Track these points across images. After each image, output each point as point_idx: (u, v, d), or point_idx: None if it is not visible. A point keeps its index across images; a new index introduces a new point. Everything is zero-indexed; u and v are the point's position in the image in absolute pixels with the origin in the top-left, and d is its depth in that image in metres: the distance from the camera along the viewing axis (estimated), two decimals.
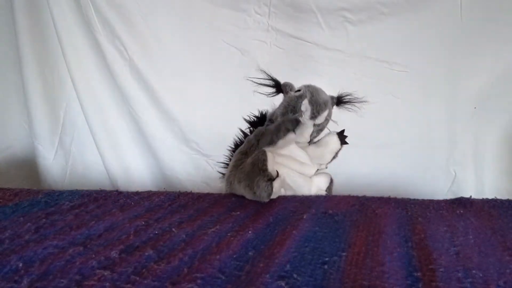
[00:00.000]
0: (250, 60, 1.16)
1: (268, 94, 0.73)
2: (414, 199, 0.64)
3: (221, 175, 0.79)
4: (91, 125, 1.18)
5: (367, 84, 1.11)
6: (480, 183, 1.09)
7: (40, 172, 1.20)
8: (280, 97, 0.76)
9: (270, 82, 0.73)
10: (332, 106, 0.75)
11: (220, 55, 1.17)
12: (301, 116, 0.69)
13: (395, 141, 1.10)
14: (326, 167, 0.76)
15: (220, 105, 1.17)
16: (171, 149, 1.17)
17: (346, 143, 0.76)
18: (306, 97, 0.70)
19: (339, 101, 0.76)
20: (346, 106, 0.76)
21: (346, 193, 0.76)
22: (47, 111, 1.21)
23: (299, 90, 0.71)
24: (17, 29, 1.18)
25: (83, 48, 1.20)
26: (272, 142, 0.68)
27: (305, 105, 0.69)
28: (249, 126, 0.80)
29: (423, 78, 1.09)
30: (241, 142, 0.78)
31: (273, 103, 0.78)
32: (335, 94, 0.77)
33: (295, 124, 0.66)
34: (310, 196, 0.70)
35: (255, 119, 0.78)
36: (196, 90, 1.16)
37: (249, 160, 0.66)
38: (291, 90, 0.73)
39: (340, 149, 0.75)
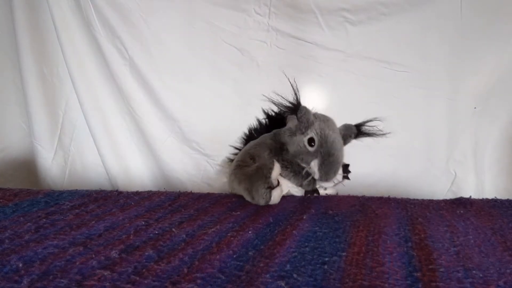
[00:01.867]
0: (250, 60, 1.16)
1: (282, 110, 0.71)
2: (414, 199, 0.64)
3: (228, 160, 0.79)
4: (91, 125, 1.18)
5: (367, 84, 1.11)
6: (480, 183, 1.09)
7: (39, 172, 1.20)
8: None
9: (289, 105, 0.69)
10: (349, 141, 0.73)
11: (220, 55, 1.17)
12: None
13: (395, 141, 1.10)
14: (325, 189, 0.74)
15: (220, 105, 1.17)
16: (171, 149, 1.17)
17: (347, 178, 0.75)
18: (316, 158, 0.65)
19: (359, 131, 0.73)
20: (367, 137, 0.74)
21: (346, 193, 0.76)
22: (47, 111, 1.21)
23: (312, 141, 0.66)
24: (16, 29, 1.18)
25: (83, 48, 1.20)
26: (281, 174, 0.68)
27: (313, 168, 0.66)
28: (266, 117, 0.79)
29: (423, 78, 1.09)
30: (255, 131, 0.77)
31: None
32: (352, 119, 0.74)
33: (305, 178, 0.67)
34: (310, 196, 0.70)
35: (274, 114, 0.77)
36: (196, 90, 1.16)
37: (254, 164, 0.66)
38: (305, 129, 0.67)
39: (340, 182, 0.73)
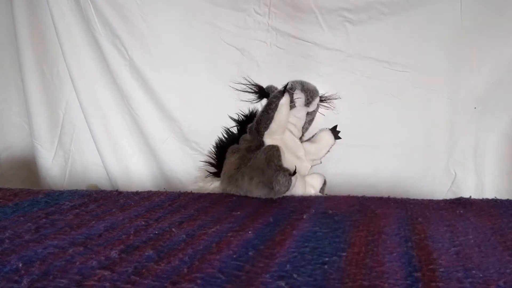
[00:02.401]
0: (250, 60, 1.16)
1: (252, 100, 0.74)
2: (413, 199, 0.64)
3: (208, 173, 0.78)
4: (91, 125, 1.18)
5: (367, 84, 1.11)
6: (480, 183, 1.09)
7: (39, 172, 1.20)
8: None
9: (253, 88, 0.73)
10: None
11: (220, 55, 1.17)
12: (294, 105, 0.70)
13: (395, 141, 1.10)
14: (321, 162, 0.77)
15: (220, 105, 1.17)
16: (171, 149, 1.17)
17: (339, 137, 0.78)
18: (296, 86, 0.70)
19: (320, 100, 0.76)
20: (323, 104, 0.77)
21: (346, 193, 0.76)
22: (47, 111, 1.21)
23: (285, 86, 0.71)
24: (16, 29, 1.18)
25: (83, 48, 1.20)
26: (269, 119, 0.69)
27: (297, 93, 0.69)
28: (237, 124, 0.80)
29: (423, 78, 1.09)
30: (226, 140, 0.78)
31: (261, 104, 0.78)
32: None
33: (281, 91, 0.68)
34: (310, 196, 0.70)
35: (244, 118, 0.78)
36: (196, 90, 1.16)
37: (260, 155, 0.66)
38: (279, 93, 0.72)
39: (333, 144, 0.77)
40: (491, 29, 1.05)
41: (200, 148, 1.18)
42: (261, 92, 0.73)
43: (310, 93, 0.71)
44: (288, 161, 0.69)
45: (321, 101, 0.76)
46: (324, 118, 0.79)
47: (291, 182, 0.62)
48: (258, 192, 0.64)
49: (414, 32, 1.09)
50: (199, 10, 1.16)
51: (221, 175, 0.73)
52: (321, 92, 0.76)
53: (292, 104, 0.69)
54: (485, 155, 1.08)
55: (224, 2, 1.14)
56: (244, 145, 0.72)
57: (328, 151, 0.78)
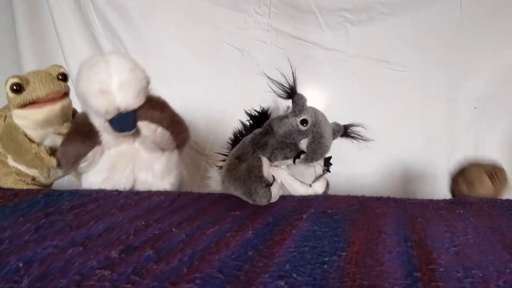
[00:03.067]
0: (250, 60, 1.16)
1: (278, 95, 0.72)
2: (413, 199, 0.64)
3: (217, 168, 0.78)
4: None
5: (367, 84, 1.11)
6: None
7: None
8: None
9: (288, 89, 0.69)
10: (336, 137, 0.72)
11: (220, 55, 1.17)
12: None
13: (395, 141, 1.11)
14: (310, 186, 0.75)
15: (220, 105, 1.17)
16: None
17: (328, 171, 0.75)
18: (307, 137, 0.66)
19: (345, 132, 0.73)
20: (351, 139, 0.74)
21: (345, 193, 0.76)
22: None
23: (305, 122, 0.66)
24: (16, 29, 1.18)
25: (83, 48, 1.21)
26: (270, 157, 0.67)
27: (302, 145, 0.66)
28: (250, 119, 0.79)
29: (423, 78, 1.09)
30: (240, 134, 0.77)
31: (275, 100, 0.76)
32: (342, 121, 0.74)
33: (295, 153, 0.66)
34: (309, 195, 0.70)
35: (257, 114, 0.77)
36: (196, 90, 1.16)
37: (243, 166, 0.65)
38: (299, 112, 0.68)
39: (321, 175, 0.74)
40: (491, 30, 1.05)
41: (200, 148, 1.18)
42: (291, 94, 0.70)
43: (312, 155, 0.66)
44: (276, 169, 0.68)
45: (349, 137, 0.73)
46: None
47: (270, 193, 0.60)
48: (245, 199, 0.63)
49: (414, 32, 1.09)
50: (199, 10, 1.16)
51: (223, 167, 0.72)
52: (356, 123, 0.74)
53: None
54: (485, 155, 1.08)
55: (224, 2, 1.14)
56: (237, 153, 0.70)
57: (315, 180, 0.74)
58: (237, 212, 0.55)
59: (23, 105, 0.63)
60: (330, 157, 0.75)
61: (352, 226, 0.49)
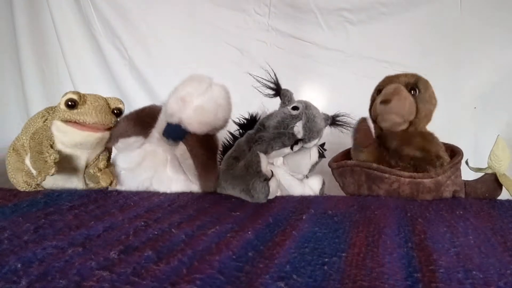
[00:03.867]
0: (250, 60, 1.16)
1: (266, 95, 0.73)
2: (413, 200, 0.64)
3: None
4: None
5: (367, 84, 1.11)
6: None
7: None
8: (275, 102, 0.75)
9: (272, 85, 0.72)
10: (326, 125, 0.74)
11: (220, 55, 1.17)
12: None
13: None
14: (307, 177, 0.75)
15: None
16: None
17: (323, 156, 0.76)
18: (301, 119, 0.68)
19: (334, 121, 0.75)
20: (339, 128, 0.76)
21: None
22: None
23: (296, 108, 0.69)
24: (16, 29, 1.18)
25: (83, 48, 1.21)
26: (265, 152, 0.68)
27: (297, 128, 0.67)
28: (239, 128, 0.79)
29: None
30: (230, 145, 0.77)
31: (263, 105, 0.77)
32: (330, 112, 0.76)
33: (292, 140, 0.66)
34: (309, 196, 0.70)
35: (245, 121, 0.78)
36: None
37: (241, 163, 0.65)
38: (289, 102, 0.71)
39: (317, 162, 0.74)
40: (491, 29, 1.05)
41: None
42: (277, 91, 0.72)
43: (309, 134, 0.68)
44: (274, 167, 0.69)
45: (338, 125, 0.75)
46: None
47: (268, 187, 0.60)
48: (243, 198, 0.63)
49: (414, 32, 1.10)
50: (199, 10, 1.16)
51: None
52: (344, 112, 0.75)
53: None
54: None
55: (224, 2, 1.14)
56: (234, 154, 0.70)
57: (311, 169, 0.75)
58: (237, 213, 0.55)
59: (68, 121, 0.64)
60: (323, 143, 0.77)
61: (352, 227, 0.49)
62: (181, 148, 0.66)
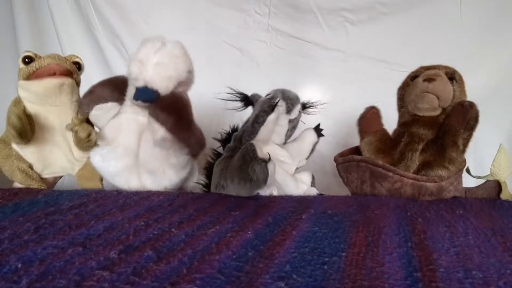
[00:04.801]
0: (250, 60, 1.16)
1: (238, 109, 0.74)
2: (413, 199, 0.64)
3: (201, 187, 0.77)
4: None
5: (367, 84, 1.11)
6: (480, 183, 1.09)
7: None
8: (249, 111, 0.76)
9: (237, 97, 0.74)
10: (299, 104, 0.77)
11: (220, 55, 1.17)
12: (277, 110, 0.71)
13: None
14: (306, 162, 0.78)
15: (219, 104, 1.17)
16: None
17: (322, 135, 0.79)
18: (277, 96, 0.71)
19: (304, 106, 0.78)
20: (310, 110, 0.78)
21: (345, 193, 0.76)
22: None
23: (268, 95, 0.73)
24: (16, 29, 1.18)
25: (83, 48, 1.20)
26: (254, 132, 0.69)
27: (280, 102, 0.71)
28: (222, 144, 0.78)
29: None
30: (214, 160, 0.76)
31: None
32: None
33: (271, 106, 0.69)
34: (309, 196, 0.70)
35: (227, 136, 0.77)
36: (196, 90, 1.16)
37: (237, 156, 0.66)
38: (259, 98, 0.75)
39: (317, 142, 0.78)
40: (491, 29, 1.05)
41: None
42: (246, 100, 0.75)
43: (290, 101, 0.72)
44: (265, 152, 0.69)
45: (305, 107, 0.77)
46: (325, 118, 0.79)
47: (267, 169, 0.61)
48: (242, 190, 0.63)
49: (414, 32, 1.10)
50: (199, 10, 1.16)
51: (211, 188, 0.72)
52: (306, 98, 0.78)
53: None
54: (485, 155, 1.08)
55: (224, 2, 1.14)
56: (226, 154, 0.71)
57: (313, 149, 0.79)
58: (237, 212, 0.55)
59: (28, 77, 0.67)
60: (319, 124, 0.80)
61: (352, 227, 0.49)
62: (150, 128, 0.68)
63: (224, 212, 0.55)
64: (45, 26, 1.21)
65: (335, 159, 0.75)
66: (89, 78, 1.19)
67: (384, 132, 0.70)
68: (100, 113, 0.70)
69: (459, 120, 0.62)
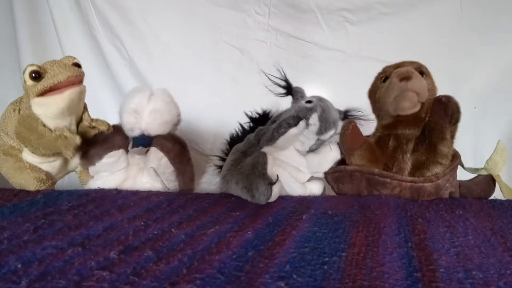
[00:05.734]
0: (250, 60, 1.16)
1: (277, 94, 0.73)
2: (413, 199, 0.64)
3: (215, 167, 0.78)
4: None
5: (367, 84, 1.11)
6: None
7: None
8: (287, 100, 0.75)
9: (283, 83, 0.72)
10: (340, 118, 0.73)
11: (220, 55, 1.17)
12: (308, 127, 0.67)
13: None
14: (322, 175, 0.75)
15: (219, 105, 1.17)
16: None
17: (362, 118, 0.75)
18: (316, 111, 0.67)
19: (346, 116, 0.74)
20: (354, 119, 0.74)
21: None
22: None
23: (310, 101, 0.69)
24: (16, 29, 1.18)
25: (83, 48, 1.20)
26: (272, 139, 0.67)
27: (314, 120, 0.67)
28: (250, 121, 0.79)
29: None
30: (238, 136, 0.77)
31: (278, 104, 0.77)
32: (343, 107, 0.76)
33: (297, 120, 0.66)
34: (309, 196, 0.70)
35: (257, 116, 0.77)
36: (196, 90, 1.16)
37: (248, 160, 0.65)
38: (301, 98, 0.71)
39: (339, 159, 0.74)
40: (491, 29, 1.05)
41: (200, 148, 1.18)
42: (288, 89, 0.72)
43: (325, 125, 0.67)
44: (275, 170, 0.67)
45: (346, 117, 0.74)
46: None
47: (271, 191, 0.59)
48: (244, 196, 0.63)
49: (414, 32, 1.09)
50: (199, 10, 1.16)
51: (220, 173, 0.73)
52: (356, 107, 0.75)
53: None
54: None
55: (224, 2, 1.14)
56: (243, 148, 0.71)
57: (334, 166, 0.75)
58: (237, 213, 0.55)
59: (43, 93, 0.61)
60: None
61: (352, 227, 0.49)
62: (153, 156, 0.69)
63: (224, 212, 0.55)
64: (45, 26, 1.21)
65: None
66: (90, 78, 1.19)
67: (369, 142, 0.69)
68: (113, 160, 0.69)
69: (442, 115, 0.63)
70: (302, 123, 0.66)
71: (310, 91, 1.18)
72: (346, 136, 0.68)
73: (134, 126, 0.70)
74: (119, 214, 0.52)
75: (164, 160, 0.69)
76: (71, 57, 0.68)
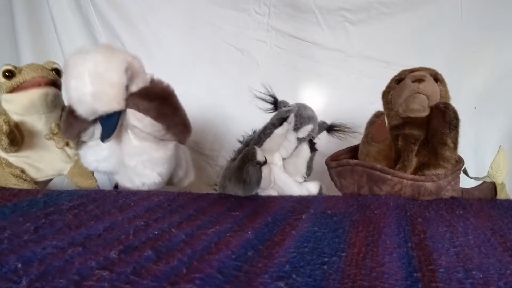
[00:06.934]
0: (250, 60, 1.16)
1: (266, 110, 0.74)
2: (413, 199, 0.64)
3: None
4: None
5: (367, 84, 1.11)
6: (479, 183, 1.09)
7: None
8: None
9: (270, 99, 0.73)
10: (322, 130, 0.76)
11: (220, 55, 1.17)
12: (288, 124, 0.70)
13: None
14: (304, 179, 0.76)
15: (219, 105, 1.17)
16: None
17: (315, 149, 0.77)
18: (293, 111, 0.70)
19: (330, 128, 0.76)
20: (336, 134, 0.76)
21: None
22: None
23: (288, 105, 0.73)
24: (16, 29, 1.18)
25: None
26: (259, 142, 0.69)
27: (291, 118, 0.69)
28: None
29: None
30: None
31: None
32: (329, 120, 0.77)
33: (281, 121, 0.68)
34: (308, 196, 0.70)
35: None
36: (196, 90, 1.16)
37: (238, 157, 0.67)
38: (284, 106, 0.74)
39: (311, 157, 0.76)
40: (491, 29, 1.05)
41: (200, 148, 1.18)
42: (275, 104, 0.74)
43: (300, 120, 0.70)
44: (270, 165, 0.69)
45: (335, 131, 0.76)
46: (326, 118, 0.78)
47: (260, 171, 0.61)
48: (238, 190, 0.64)
49: (414, 32, 1.09)
50: (199, 10, 1.16)
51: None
52: (341, 122, 0.76)
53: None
54: (485, 155, 1.08)
55: (224, 2, 1.14)
56: (234, 157, 0.73)
57: (310, 166, 0.76)
58: (237, 213, 0.55)
59: (11, 90, 0.69)
60: (312, 137, 0.76)
61: (352, 227, 0.49)
62: (134, 118, 0.63)
63: (224, 212, 0.55)
64: (44, 26, 1.21)
65: (327, 163, 0.74)
66: None
67: (390, 140, 0.70)
68: (87, 137, 0.67)
69: (440, 122, 0.63)
70: (286, 124, 0.69)
71: (310, 91, 1.18)
72: (374, 125, 0.69)
73: (87, 114, 0.60)
74: (119, 214, 0.52)
75: (148, 119, 0.62)
76: (52, 62, 0.76)
